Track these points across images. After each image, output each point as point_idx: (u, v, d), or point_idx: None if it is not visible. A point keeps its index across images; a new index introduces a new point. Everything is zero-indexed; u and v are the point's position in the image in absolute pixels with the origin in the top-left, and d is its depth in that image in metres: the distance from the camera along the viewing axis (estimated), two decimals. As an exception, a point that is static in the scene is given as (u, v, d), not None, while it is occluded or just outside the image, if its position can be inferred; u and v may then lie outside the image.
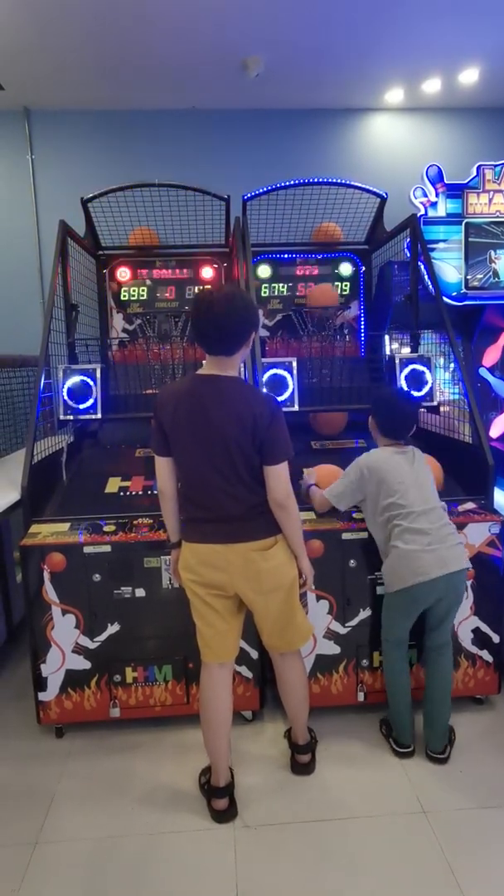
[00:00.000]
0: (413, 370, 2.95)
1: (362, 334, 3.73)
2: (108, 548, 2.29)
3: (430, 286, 3.16)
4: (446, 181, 3.60)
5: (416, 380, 2.93)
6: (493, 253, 3.62)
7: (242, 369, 2.79)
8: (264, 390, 2.74)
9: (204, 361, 1.94)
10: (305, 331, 3.52)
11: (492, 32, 3.35)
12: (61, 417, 2.82)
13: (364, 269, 3.74)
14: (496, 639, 2.48)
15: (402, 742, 2.28)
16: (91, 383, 2.82)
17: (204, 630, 2.00)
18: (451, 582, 2.15)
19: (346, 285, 3.70)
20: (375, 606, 2.40)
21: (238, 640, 2.07)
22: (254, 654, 2.40)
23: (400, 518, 2.17)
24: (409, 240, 3.27)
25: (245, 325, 1.86)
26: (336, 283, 3.69)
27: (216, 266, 3.65)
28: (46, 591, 2.29)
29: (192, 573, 1.95)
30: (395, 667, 2.26)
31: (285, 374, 2.84)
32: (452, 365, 3.08)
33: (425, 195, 3.62)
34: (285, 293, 3.67)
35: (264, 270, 3.65)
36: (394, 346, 3.44)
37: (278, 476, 1.87)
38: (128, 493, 2.66)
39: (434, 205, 3.62)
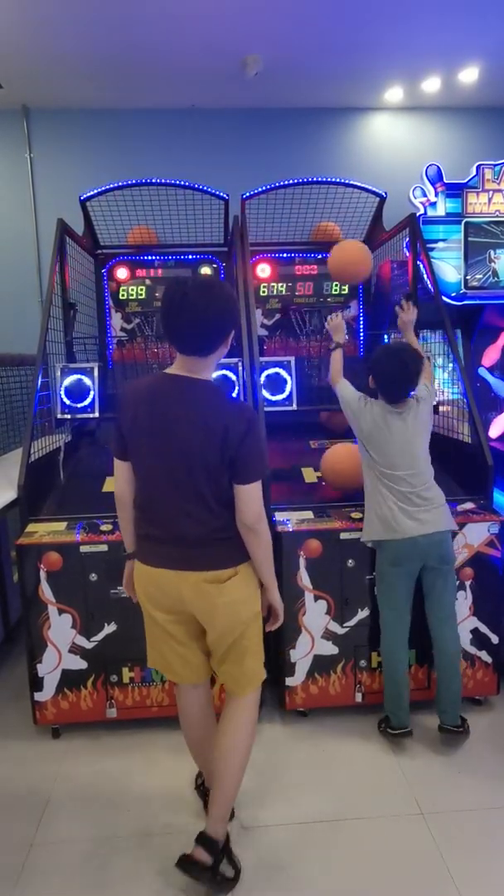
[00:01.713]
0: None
1: (361, 334, 3.73)
2: (104, 547, 2.28)
3: (430, 286, 3.15)
4: (446, 180, 3.59)
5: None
6: (492, 252, 3.61)
7: (241, 369, 2.78)
8: (264, 390, 2.72)
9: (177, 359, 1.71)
10: (304, 330, 3.52)
11: (492, 31, 3.34)
12: (59, 416, 2.81)
13: (363, 268, 3.72)
14: (495, 640, 2.47)
15: (396, 724, 2.26)
16: (89, 382, 2.81)
17: (164, 655, 1.79)
18: (431, 542, 2.16)
19: (345, 285, 3.69)
20: (374, 606, 2.39)
21: (206, 661, 1.83)
22: (251, 655, 2.38)
23: (382, 473, 2.22)
24: (408, 239, 3.27)
25: (224, 322, 1.62)
26: (335, 283, 3.68)
27: (215, 265, 3.64)
28: (43, 591, 2.28)
29: (146, 595, 1.75)
30: (392, 639, 2.25)
31: (284, 373, 2.84)
32: (452, 364, 3.07)
33: (424, 195, 3.61)
34: (284, 292, 3.66)
35: (263, 269, 3.64)
36: (393, 346, 3.42)
37: (249, 497, 1.63)
38: (125, 493, 2.65)
39: (433, 204, 3.61)
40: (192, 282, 1.59)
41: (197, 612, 1.70)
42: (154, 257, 3.64)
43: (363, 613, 2.41)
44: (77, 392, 2.81)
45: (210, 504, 1.65)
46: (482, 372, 3.73)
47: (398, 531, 2.17)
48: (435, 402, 2.71)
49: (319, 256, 3.66)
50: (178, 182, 3.33)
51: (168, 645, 1.77)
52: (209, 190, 3.36)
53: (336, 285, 3.68)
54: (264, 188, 3.39)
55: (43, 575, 2.27)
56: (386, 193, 3.50)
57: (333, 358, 2.48)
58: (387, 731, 2.31)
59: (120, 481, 1.79)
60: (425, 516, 2.17)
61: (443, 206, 3.61)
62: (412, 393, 2.31)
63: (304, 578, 2.35)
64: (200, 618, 1.71)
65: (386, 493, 2.21)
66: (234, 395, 2.81)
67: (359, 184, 3.44)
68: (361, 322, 3.73)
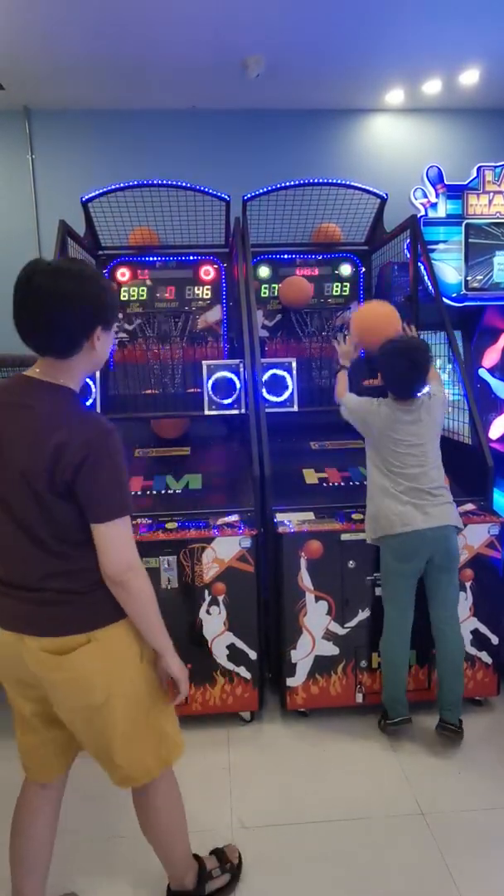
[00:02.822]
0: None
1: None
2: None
3: (430, 287, 3.16)
4: (446, 182, 3.60)
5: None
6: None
7: (242, 370, 2.78)
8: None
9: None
10: (305, 331, 3.53)
11: (492, 33, 3.35)
12: (60, 417, 2.81)
13: (364, 269, 3.73)
14: (495, 640, 2.48)
15: (394, 715, 2.27)
16: (90, 383, 2.82)
17: (17, 736, 1.52)
18: (438, 536, 2.16)
19: (345, 286, 3.70)
20: (374, 607, 2.40)
21: (67, 756, 1.54)
22: (252, 655, 2.39)
23: (391, 471, 2.20)
24: (409, 240, 3.28)
25: (80, 313, 1.29)
26: (336, 284, 3.69)
27: (216, 266, 3.65)
28: (45, 591, 2.28)
29: None
30: (394, 636, 2.26)
31: (285, 374, 2.85)
32: (451, 366, 3.07)
33: (425, 196, 3.62)
34: (285, 293, 3.66)
35: (264, 271, 3.64)
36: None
37: (108, 541, 1.28)
38: (127, 494, 2.65)
39: (434, 206, 3.62)
40: (44, 264, 1.28)
41: (45, 688, 1.38)
42: (155, 258, 3.64)
43: (364, 614, 2.42)
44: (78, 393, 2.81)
45: (48, 544, 1.30)
46: (482, 373, 3.74)
47: (407, 524, 2.15)
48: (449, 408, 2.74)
49: (320, 258, 3.67)
50: (179, 183, 3.34)
51: (17, 723, 1.49)
52: (210, 191, 3.37)
53: (337, 286, 3.69)
54: (265, 189, 3.40)
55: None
56: (387, 195, 3.51)
57: (340, 378, 2.53)
58: (387, 725, 2.32)
59: None
60: (433, 510, 2.18)
61: (443, 208, 3.62)
62: (421, 391, 2.31)
63: (305, 579, 2.36)
64: (49, 695, 1.39)
65: (394, 490, 2.19)
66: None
67: (360, 185, 3.45)
68: (362, 323, 3.73)
